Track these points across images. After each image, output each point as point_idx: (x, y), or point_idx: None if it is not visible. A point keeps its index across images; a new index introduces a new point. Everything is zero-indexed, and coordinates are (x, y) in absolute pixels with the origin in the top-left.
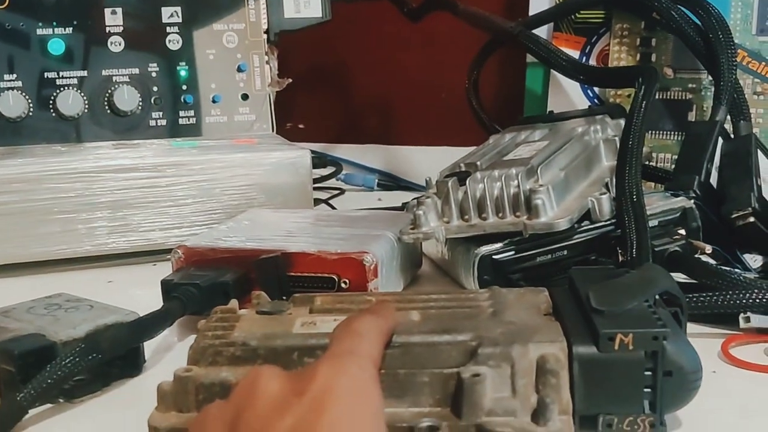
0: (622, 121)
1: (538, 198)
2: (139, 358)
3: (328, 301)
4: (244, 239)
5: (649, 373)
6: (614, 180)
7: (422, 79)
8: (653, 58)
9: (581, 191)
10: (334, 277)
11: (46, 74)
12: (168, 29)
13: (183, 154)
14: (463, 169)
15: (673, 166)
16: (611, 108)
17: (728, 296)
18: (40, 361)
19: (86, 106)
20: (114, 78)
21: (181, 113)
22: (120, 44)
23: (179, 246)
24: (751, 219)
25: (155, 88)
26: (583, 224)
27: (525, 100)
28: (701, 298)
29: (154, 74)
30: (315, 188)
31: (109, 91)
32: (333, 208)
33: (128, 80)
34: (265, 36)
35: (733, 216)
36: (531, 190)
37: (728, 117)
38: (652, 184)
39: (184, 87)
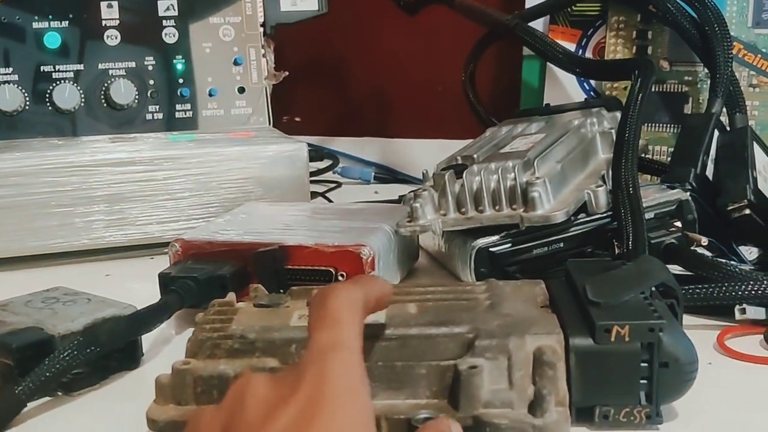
0: (619, 114)
1: (534, 190)
2: (137, 351)
3: None
4: (241, 232)
5: (645, 364)
6: (611, 172)
7: (419, 72)
8: (649, 50)
9: (578, 184)
10: (331, 269)
11: (42, 68)
12: (164, 22)
13: (180, 147)
14: (460, 161)
15: (669, 159)
16: (607, 100)
17: (724, 288)
18: (38, 355)
19: (83, 100)
20: (110, 71)
21: (178, 107)
22: (116, 38)
23: (177, 239)
24: (747, 211)
25: (152, 82)
26: (579, 217)
27: (521, 92)
28: (697, 290)
29: (150, 68)
30: (312, 181)
31: (106, 85)
32: (330, 201)
33: (124, 74)
34: (261, 29)
35: (729, 208)
36: (528, 183)
37: (724, 109)
38: (648, 176)
39: (181, 80)
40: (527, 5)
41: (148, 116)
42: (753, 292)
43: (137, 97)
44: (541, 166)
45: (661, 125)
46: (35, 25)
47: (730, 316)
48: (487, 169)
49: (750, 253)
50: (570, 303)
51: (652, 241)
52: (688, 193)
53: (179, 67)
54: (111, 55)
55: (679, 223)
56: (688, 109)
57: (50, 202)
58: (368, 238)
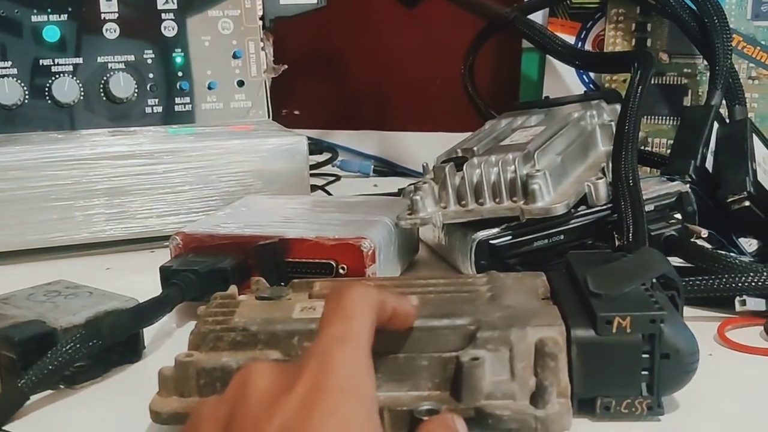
0: (618, 106)
1: (534, 183)
2: (139, 344)
3: (326, 287)
4: (242, 225)
5: (646, 355)
6: (610, 165)
7: (418, 65)
8: (649, 43)
9: (578, 176)
10: (332, 262)
11: (41, 61)
12: (163, 16)
13: (179, 140)
14: (460, 154)
15: (668, 151)
16: (607, 93)
17: (724, 280)
18: (40, 348)
19: (82, 94)
20: (109, 65)
21: (177, 100)
22: (115, 31)
23: (177, 233)
24: (747, 203)
25: (151, 75)
26: (579, 209)
27: (521, 85)
28: (697, 282)
29: (149, 61)
30: (311, 174)
31: (105, 79)
32: (329, 194)
33: (123, 67)
34: (260, 22)
35: (729, 200)
36: (528, 176)
37: (723, 102)
38: (648, 168)
39: (180, 74)
40: None
41: (148, 110)
42: (753, 284)
43: (136, 90)
44: (541, 158)
45: (660, 117)
46: (34, 18)
47: (731, 307)
48: (488, 162)
49: (750, 244)
50: (571, 295)
51: (653, 233)
52: (688, 186)
53: (178, 60)
54: (110, 48)
55: (679, 215)
56: (687, 101)
57: (50, 196)
58: (368, 231)
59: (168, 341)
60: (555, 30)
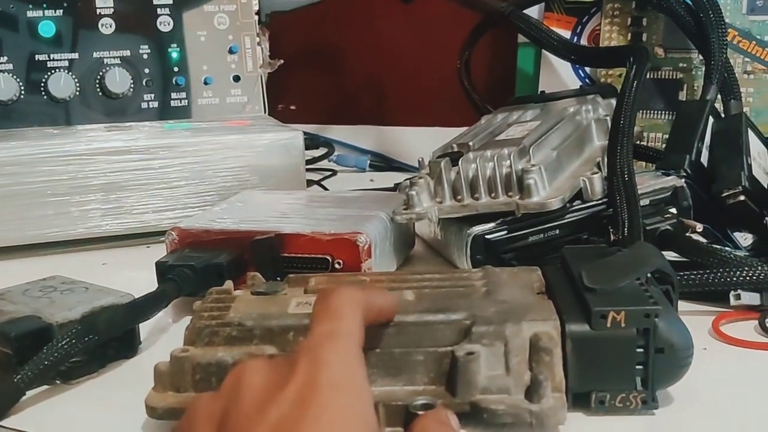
0: (614, 101)
1: (530, 178)
2: (135, 340)
3: (322, 282)
4: (237, 221)
5: (641, 350)
6: (606, 159)
7: (414, 59)
8: (644, 37)
9: (573, 171)
10: (328, 257)
11: (36, 57)
12: (159, 11)
13: (175, 136)
14: (456, 149)
15: (664, 146)
16: (602, 88)
17: (719, 274)
18: (36, 343)
19: (77, 89)
20: (105, 60)
21: (173, 95)
22: (111, 26)
23: (173, 228)
24: (742, 197)
25: (146, 70)
26: (575, 203)
27: (516, 80)
28: (692, 276)
29: (145, 56)
30: (307, 169)
31: (101, 74)
32: (325, 189)
33: (119, 62)
34: (256, 17)
35: (724, 194)
36: (523, 170)
37: (719, 96)
38: (644, 163)
39: (176, 69)
40: None
41: (143, 105)
42: (748, 278)
43: (132, 85)
44: (537, 153)
45: (655, 112)
46: (29, 13)
47: (725, 301)
48: (483, 157)
49: (745, 239)
50: (566, 289)
51: (648, 228)
52: (683, 180)
53: (174, 55)
54: (106, 43)
55: (674, 210)
56: (682, 95)
57: (46, 191)
58: (364, 226)
59: (164, 336)
60: (550, 25)
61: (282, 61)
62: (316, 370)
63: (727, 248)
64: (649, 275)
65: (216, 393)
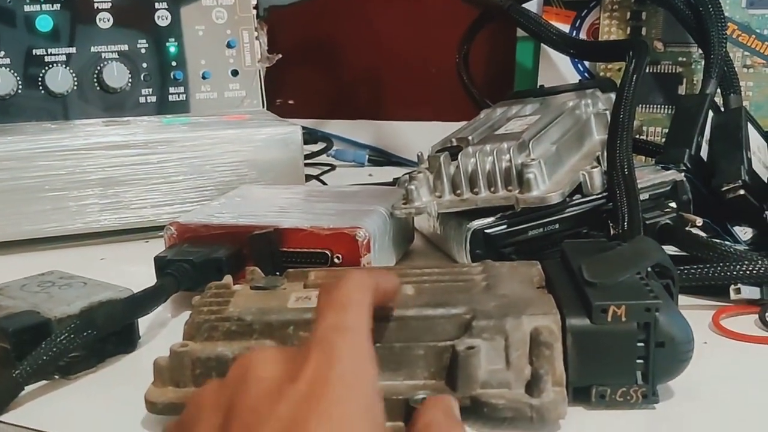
0: (613, 95)
1: (529, 172)
2: (134, 334)
3: (321, 276)
4: (236, 215)
5: (641, 344)
6: (605, 153)
7: (412, 54)
8: (643, 31)
9: (573, 165)
10: (327, 252)
11: (34, 51)
12: (156, 5)
13: (174, 130)
14: (455, 143)
15: (663, 140)
16: (602, 82)
17: (719, 268)
18: (35, 338)
19: (75, 83)
20: (103, 55)
21: (171, 90)
22: (108, 20)
23: (172, 223)
24: (741, 191)
25: (144, 65)
26: (574, 198)
27: (515, 74)
28: (692, 271)
29: (143, 51)
30: (306, 164)
31: (98, 68)
32: (324, 183)
33: (117, 57)
34: (254, 11)
35: (724, 189)
36: (523, 165)
37: (718, 90)
38: (643, 157)
39: (174, 63)
40: None
41: (141, 99)
42: (748, 272)
43: (130, 80)
44: (536, 147)
45: (655, 106)
46: (27, 8)
47: (725, 295)
48: (482, 151)
49: (744, 233)
50: (566, 284)
51: (647, 222)
52: (683, 174)
53: (172, 50)
54: (103, 38)
55: (673, 204)
56: (682, 89)
57: (44, 186)
58: (363, 221)
59: (163, 331)
60: (550, 19)
61: (280, 56)
62: (328, 365)
63: (726, 242)
64: (649, 269)
65: (223, 382)
